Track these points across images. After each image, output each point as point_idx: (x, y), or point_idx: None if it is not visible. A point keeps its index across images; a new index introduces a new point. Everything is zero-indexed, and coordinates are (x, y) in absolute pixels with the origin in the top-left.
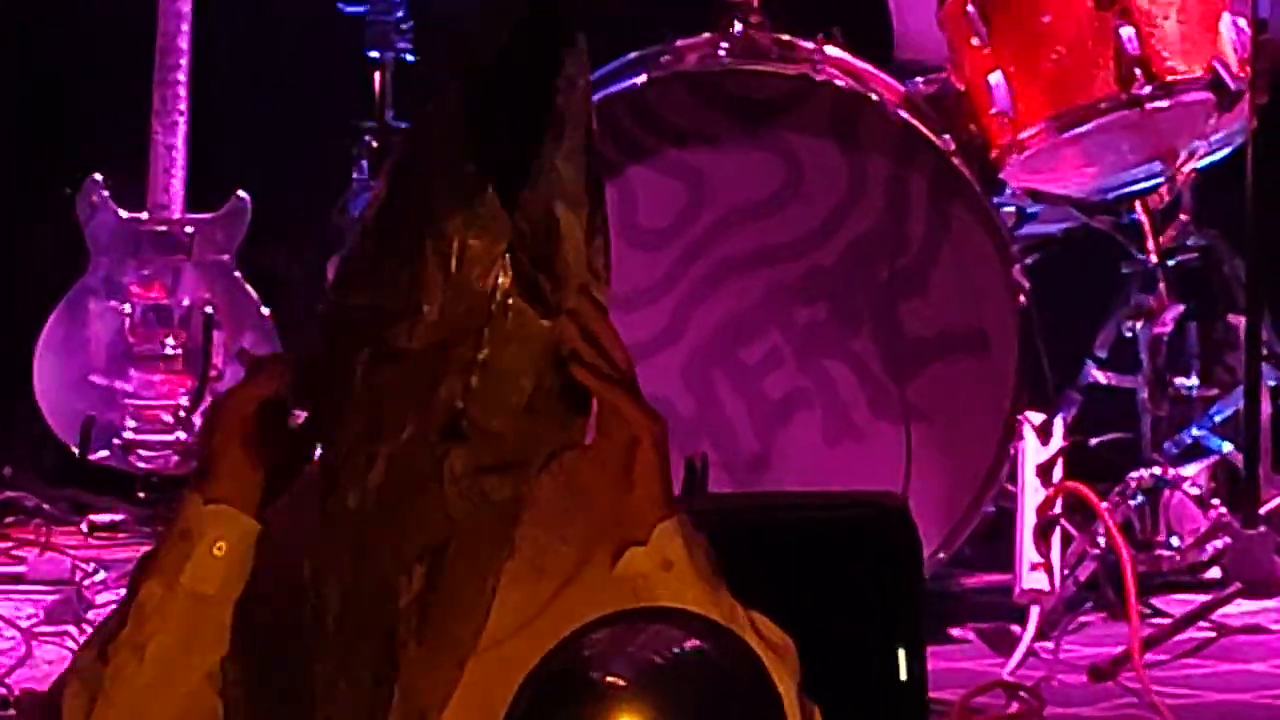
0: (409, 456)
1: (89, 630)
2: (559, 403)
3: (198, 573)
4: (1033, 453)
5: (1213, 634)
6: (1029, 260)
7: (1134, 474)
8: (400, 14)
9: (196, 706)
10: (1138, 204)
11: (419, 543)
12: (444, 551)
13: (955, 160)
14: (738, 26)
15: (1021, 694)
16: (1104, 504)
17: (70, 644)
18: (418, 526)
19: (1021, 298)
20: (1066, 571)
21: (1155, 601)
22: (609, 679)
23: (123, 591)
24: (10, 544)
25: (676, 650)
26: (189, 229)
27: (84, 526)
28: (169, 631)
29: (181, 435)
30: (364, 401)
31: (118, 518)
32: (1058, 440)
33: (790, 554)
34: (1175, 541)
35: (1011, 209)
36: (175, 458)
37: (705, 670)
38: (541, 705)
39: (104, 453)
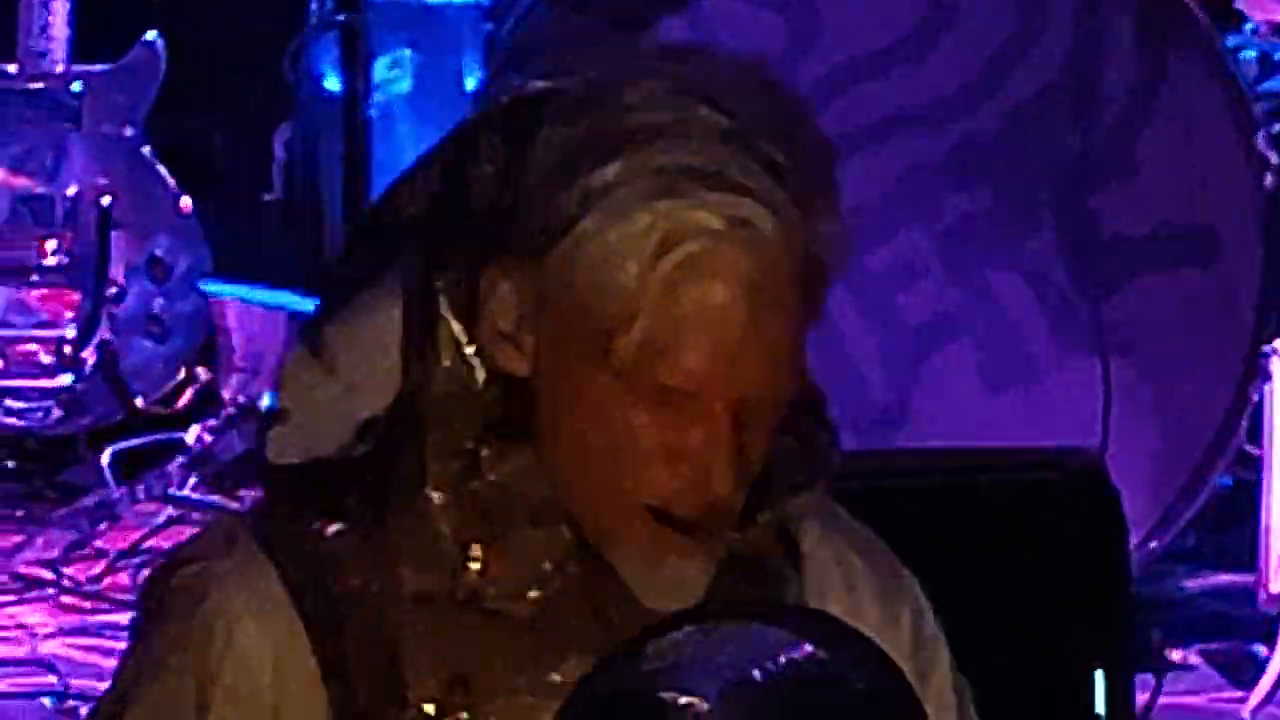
0: None
1: None
2: None
3: None
4: None
5: None
6: (1277, 127)
7: None
8: None
9: None
10: None
11: None
12: None
13: None
14: None
15: None
16: None
17: None
18: None
19: (1268, 178)
20: None
21: None
22: (684, 700)
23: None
24: None
25: (782, 659)
26: (77, 87)
27: None
28: None
29: (66, 380)
30: None
31: None
32: None
33: (939, 535)
34: None
35: (1254, 54)
36: (56, 411)
37: (823, 688)
38: None
39: None
